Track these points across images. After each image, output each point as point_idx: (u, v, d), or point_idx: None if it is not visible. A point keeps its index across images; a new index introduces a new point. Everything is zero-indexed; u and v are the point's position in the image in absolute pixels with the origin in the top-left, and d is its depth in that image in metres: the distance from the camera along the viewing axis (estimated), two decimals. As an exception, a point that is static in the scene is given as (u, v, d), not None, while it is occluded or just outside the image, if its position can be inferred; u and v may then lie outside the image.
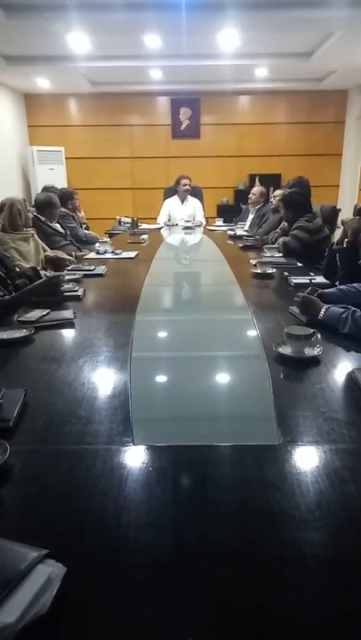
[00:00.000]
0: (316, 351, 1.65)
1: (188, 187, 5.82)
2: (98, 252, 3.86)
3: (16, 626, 0.66)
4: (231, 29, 4.61)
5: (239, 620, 0.74)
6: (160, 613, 0.75)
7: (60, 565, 0.76)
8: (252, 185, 6.45)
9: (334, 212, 4.68)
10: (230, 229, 5.21)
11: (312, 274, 2.88)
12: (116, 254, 3.81)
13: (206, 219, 6.08)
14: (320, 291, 2.08)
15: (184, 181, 5.81)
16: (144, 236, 4.76)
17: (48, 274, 3.10)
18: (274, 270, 3.03)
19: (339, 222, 4.23)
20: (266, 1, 3.95)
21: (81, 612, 0.75)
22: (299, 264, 3.30)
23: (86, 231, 5.01)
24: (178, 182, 5.86)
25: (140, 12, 4.06)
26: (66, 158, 7.49)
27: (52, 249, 3.64)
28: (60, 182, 6.67)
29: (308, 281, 2.51)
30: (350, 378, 1.50)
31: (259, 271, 3.01)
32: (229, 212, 6.87)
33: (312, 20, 4.28)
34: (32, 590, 0.71)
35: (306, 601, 0.77)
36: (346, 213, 2.92)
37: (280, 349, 1.66)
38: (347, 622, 0.74)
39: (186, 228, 5.48)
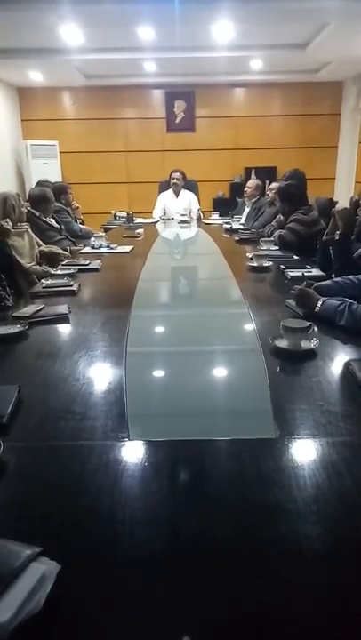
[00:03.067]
0: (312, 344, 1.64)
1: (176, 180, 5.78)
2: (93, 247, 3.83)
3: (10, 624, 0.65)
4: (225, 21, 4.57)
5: (237, 617, 0.74)
6: (157, 610, 0.74)
7: (54, 563, 0.76)
8: (247, 178, 6.42)
9: (330, 204, 4.66)
10: (226, 223, 5.19)
11: (308, 266, 2.87)
12: (112, 249, 3.78)
13: (202, 212, 6.05)
14: (315, 284, 2.07)
15: (173, 175, 5.79)
16: (139, 231, 4.74)
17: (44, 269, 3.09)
18: (270, 263, 3.01)
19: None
20: (260, -9, 3.92)
21: (75, 610, 0.74)
22: (295, 257, 3.29)
23: (81, 226, 4.98)
24: (170, 175, 5.85)
25: (134, 3, 4.02)
26: (60, 152, 7.44)
27: (46, 244, 3.61)
28: (55, 176, 6.63)
29: (301, 274, 2.49)
30: (347, 370, 1.49)
31: (255, 264, 3.00)
32: (225, 206, 6.83)
33: (307, 11, 4.25)
34: (26, 588, 0.70)
35: (304, 596, 0.76)
36: (342, 206, 2.89)
37: (277, 342, 1.65)
38: (345, 617, 0.73)
39: (181, 221, 5.46)
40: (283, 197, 3.78)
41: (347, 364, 1.52)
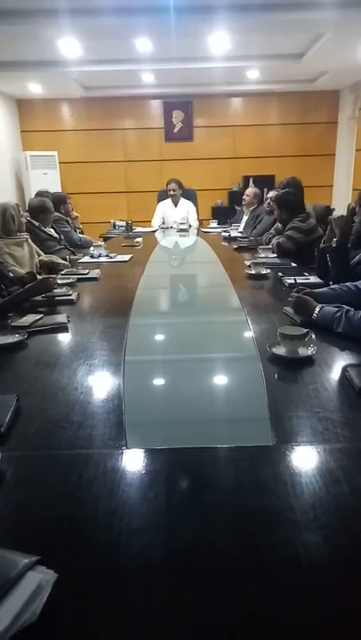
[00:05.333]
0: (310, 351, 1.65)
1: (172, 191, 5.84)
2: (92, 256, 3.85)
3: (6, 634, 0.65)
4: (222, 32, 4.62)
5: (235, 624, 0.74)
6: (155, 618, 0.74)
7: (50, 572, 0.75)
8: (245, 186, 6.45)
9: (328, 211, 4.68)
10: (225, 231, 5.22)
11: (306, 274, 2.89)
12: (111, 258, 3.80)
13: (201, 221, 6.08)
14: (307, 290, 2.09)
15: (170, 186, 5.86)
16: (138, 239, 4.76)
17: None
18: (268, 271, 3.03)
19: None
20: (256, 3, 3.96)
21: (72, 620, 0.74)
22: (293, 264, 3.31)
23: (81, 235, 5.00)
24: (167, 186, 5.90)
25: (131, 16, 4.07)
26: (59, 163, 7.49)
27: (46, 254, 3.63)
28: (54, 187, 6.67)
29: (293, 281, 2.50)
30: (344, 376, 1.49)
31: (253, 272, 3.01)
32: (224, 214, 6.87)
33: (302, 22, 4.29)
34: (22, 598, 0.70)
35: (301, 603, 0.76)
36: (339, 213, 2.91)
37: (274, 350, 1.65)
38: (343, 623, 0.73)
39: (180, 230, 5.48)
40: (281, 205, 3.80)
41: (344, 371, 1.52)
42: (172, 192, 5.84)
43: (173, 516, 0.96)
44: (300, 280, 2.54)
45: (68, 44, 4.85)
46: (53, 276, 2.82)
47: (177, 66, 5.71)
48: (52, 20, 4.13)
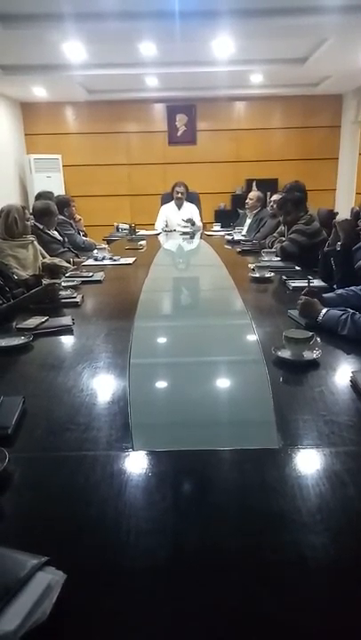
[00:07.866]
0: (315, 354, 1.65)
1: (180, 195, 5.88)
2: (96, 259, 3.87)
3: (16, 634, 0.66)
4: (226, 37, 4.64)
5: (240, 626, 0.74)
6: (160, 620, 0.75)
7: (60, 573, 0.76)
8: (249, 190, 6.46)
9: (331, 215, 4.69)
10: (228, 234, 5.23)
11: (310, 277, 2.88)
12: (114, 260, 3.81)
13: (204, 224, 6.08)
14: (316, 290, 2.08)
15: (176, 189, 5.89)
16: (142, 242, 4.78)
17: (45, 281, 3.11)
18: (272, 274, 3.03)
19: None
20: (260, 8, 3.98)
21: (81, 620, 0.74)
22: (297, 267, 3.31)
23: (84, 238, 5.02)
24: (172, 189, 5.93)
25: (135, 20, 4.08)
26: (63, 166, 7.52)
27: (50, 256, 3.64)
28: (58, 190, 6.68)
29: (306, 284, 2.49)
30: (350, 380, 1.49)
31: (257, 275, 3.02)
32: (227, 217, 6.88)
33: (306, 27, 4.31)
34: (32, 598, 0.70)
35: (307, 605, 0.76)
36: (343, 217, 2.91)
37: (279, 353, 1.66)
38: (348, 626, 0.74)
39: (184, 233, 5.50)
40: (294, 202, 3.72)
41: (349, 374, 1.52)
42: (179, 195, 5.87)
43: (180, 518, 0.96)
44: (308, 283, 2.52)
45: (73, 48, 4.88)
46: (58, 281, 2.83)
47: (181, 70, 5.73)
48: (57, 24, 4.16)
